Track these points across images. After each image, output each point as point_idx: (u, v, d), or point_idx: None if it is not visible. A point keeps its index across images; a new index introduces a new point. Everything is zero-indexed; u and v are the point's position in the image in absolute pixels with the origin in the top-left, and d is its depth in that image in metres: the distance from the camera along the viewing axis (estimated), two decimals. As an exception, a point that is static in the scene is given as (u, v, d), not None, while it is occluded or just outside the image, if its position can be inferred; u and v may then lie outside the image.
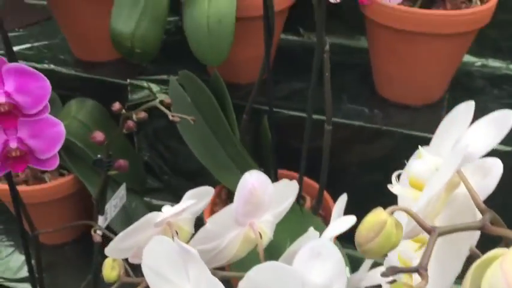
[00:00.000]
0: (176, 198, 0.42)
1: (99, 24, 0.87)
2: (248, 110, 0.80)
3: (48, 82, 0.53)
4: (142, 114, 0.56)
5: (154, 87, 0.91)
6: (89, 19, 0.89)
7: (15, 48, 0.99)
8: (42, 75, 0.52)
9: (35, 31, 1.06)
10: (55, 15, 0.94)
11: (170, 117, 0.55)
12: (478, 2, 0.80)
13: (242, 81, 0.91)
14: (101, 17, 0.84)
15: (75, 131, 0.82)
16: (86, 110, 0.87)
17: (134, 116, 0.56)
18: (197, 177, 0.94)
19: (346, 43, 1.04)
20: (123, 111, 0.55)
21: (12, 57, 0.73)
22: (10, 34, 1.04)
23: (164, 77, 0.92)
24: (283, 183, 0.41)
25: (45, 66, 0.95)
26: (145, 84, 0.91)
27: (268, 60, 0.72)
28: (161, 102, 0.56)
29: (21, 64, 0.52)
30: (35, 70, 0.52)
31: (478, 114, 0.33)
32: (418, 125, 0.83)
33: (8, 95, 0.51)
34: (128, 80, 0.92)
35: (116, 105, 0.56)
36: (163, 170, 0.99)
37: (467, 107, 0.33)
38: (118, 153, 0.63)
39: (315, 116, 0.75)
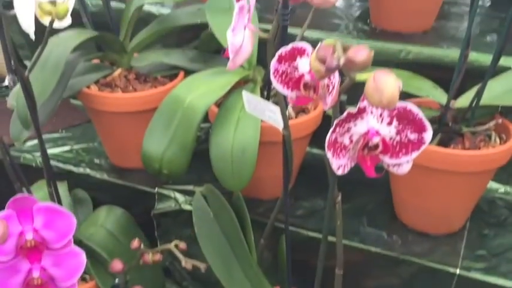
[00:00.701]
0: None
1: (134, 137, 0.93)
2: (267, 234, 0.82)
3: (73, 219, 0.57)
4: (158, 257, 0.59)
5: (181, 198, 0.95)
6: (125, 132, 0.96)
7: (56, 151, 1.08)
8: (69, 213, 0.56)
9: (76, 133, 1.14)
10: (94, 123, 1.01)
11: (183, 263, 0.57)
12: (497, 140, 0.82)
13: (264, 197, 0.94)
14: (137, 131, 0.90)
15: (101, 241, 0.86)
16: (114, 218, 0.91)
17: (150, 255, 0.59)
18: (216, 287, 0.96)
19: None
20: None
21: (47, 163, 0.79)
22: (53, 135, 1.14)
23: (191, 187, 0.96)
24: None
25: (81, 170, 1.02)
26: (172, 194, 0.95)
27: (287, 187, 0.75)
28: (176, 246, 0.59)
29: (50, 203, 0.56)
30: (62, 208, 0.56)
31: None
32: (436, 256, 0.82)
33: (35, 231, 0.55)
34: (156, 189, 0.96)
35: (135, 243, 0.59)
36: (183, 277, 1.01)
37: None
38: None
39: (330, 238, 0.76)
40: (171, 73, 1.00)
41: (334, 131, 0.46)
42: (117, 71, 0.98)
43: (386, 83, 0.39)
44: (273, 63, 0.49)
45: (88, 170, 1.01)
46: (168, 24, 1.01)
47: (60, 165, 1.03)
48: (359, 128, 0.47)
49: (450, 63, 0.92)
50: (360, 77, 0.41)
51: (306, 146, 0.93)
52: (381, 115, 0.47)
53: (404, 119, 0.47)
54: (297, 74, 0.48)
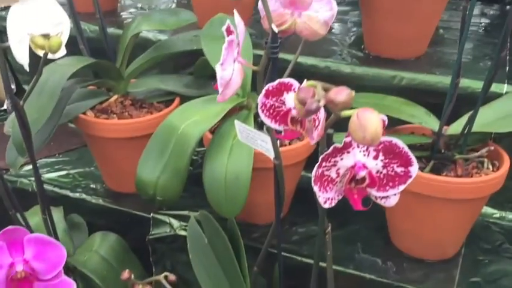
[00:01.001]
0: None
1: (129, 162, 0.93)
2: (260, 261, 0.82)
3: (63, 250, 0.57)
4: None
5: (176, 223, 0.95)
6: (120, 157, 0.96)
7: (52, 175, 1.08)
8: (59, 244, 0.57)
9: (73, 157, 1.15)
10: (90, 148, 1.01)
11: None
12: (490, 166, 0.82)
13: (259, 222, 0.94)
14: (132, 157, 0.90)
15: (95, 267, 0.86)
16: (108, 244, 0.92)
17: (141, 287, 0.59)
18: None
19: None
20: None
21: (41, 191, 0.79)
22: (51, 160, 1.14)
23: (186, 212, 0.96)
24: None
25: (77, 195, 1.02)
26: (167, 219, 0.96)
27: (279, 216, 0.75)
28: (165, 277, 0.59)
29: (40, 235, 0.57)
30: (52, 239, 0.57)
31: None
32: (431, 283, 0.82)
33: (26, 262, 0.55)
34: (151, 214, 0.96)
35: (125, 275, 0.59)
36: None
37: None
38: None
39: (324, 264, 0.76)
40: (167, 99, 1.01)
41: (320, 166, 0.46)
42: (114, 97, 0.99)
43: (370, 120, 0.40)
44: (261, 98, 0.49)
45: (84, 195, 1.02)
46: (165, 51, 1.02)
47: (57, 190, 1.04)
48: (345, 161, 0.47)
49: (443, 89, 0.93)
50: (344, 113, 0.42)
51: (301, 171, 0.94)
52: (367, 149, 0.47)
53: (391, 153, 0.47)
54: (284, 108, 0.49)
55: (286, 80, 0.48)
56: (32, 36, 0.56)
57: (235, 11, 0.54)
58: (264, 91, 0.49)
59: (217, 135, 0.83)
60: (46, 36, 0.56)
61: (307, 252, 0.89)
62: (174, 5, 1.44)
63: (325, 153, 0.45)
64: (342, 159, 0.47)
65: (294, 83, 0.48)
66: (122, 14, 1.34)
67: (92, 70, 1.05)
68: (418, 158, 0.84)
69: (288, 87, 0.48)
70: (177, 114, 0.84)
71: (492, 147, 0.82)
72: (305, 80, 0.46)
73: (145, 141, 0.86)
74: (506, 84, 0.91)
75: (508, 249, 0.90)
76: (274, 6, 0.60)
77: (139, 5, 1.43)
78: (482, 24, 1.29)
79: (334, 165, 0.47)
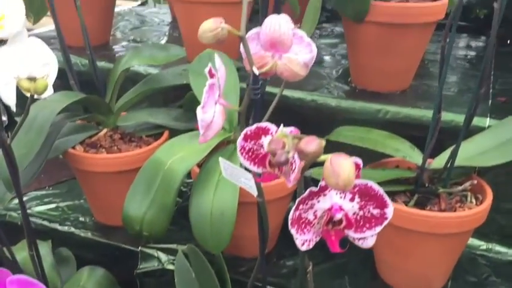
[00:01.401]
0: None
1: (118, 196, 0.93)
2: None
3: (47, 290, 0.57)
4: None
5: (164, 257, 0.96)
6: (109, 191, 0.97)
7: (42, 208, 1.09)
8: (42, 286, 0.57)
9: (63, 189, 1.15)
10: (79, 181, 1.02)
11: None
12: (473, 200, 0.83)
13: (246, 255, 0.94)
14: (121, 191, 0.91)
15: (81, 302, 0.86)
16: (95, 279, 0.91)
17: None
18: None
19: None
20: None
21: (28, 227, 0.79)
22: (40, 192, 1.15)
23: (174, 246, 0.96)
24: None
25: (66, 228, 1.02)
26: (155, 253, 0.96)
27: (263, 253, 0.76)
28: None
29: (23, 276, 0.57)
30: (35, 281, 0.57)
31: None
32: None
33: (8, 304, 0.56)
34: (139, 248, 0.96)
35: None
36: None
37: None
38: None
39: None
40: (157, 132, 1.02)
41: (297, 209, 0.47)
42: (103, 131, 1.00)
43: (343, 166, 0.41)
44: (239, 141, 0.50)
45: (73, 229, 1.02)
46: (154, 85, 1.04)
47: (46, 223, 1.04)
48: (322, 204, 0.48)
49: (427, 122, 0.93)
50: (320, 158, 0.43)
51: (288, 203, 0.94)
52: (343, 191, 0.48)
53: (366, 195, 0.48)
54: (262, 152, 0.50)
55: (263, 124, 0.49)
56: (18, 79, 0.57)
57: (216, 56, 0.56)
58: (242, 135, 0.50)
59: (204, 170, 0.84)
60: (32, 79, 0.57)
61: (294, 286, 0.89)
62: (165, 38, 1.46)
63: (302, 196, 0.46)
64: (318, 201, 0.48)
65: (271, 127, 0.49)
66: (114, 47, 1.36)
67: (82, 105, 1.06)
68: (403, 192, 0.86)
69: (265, 131, 0.49)
70: (164, 150, 0.85)
71: (475, 181, 0.83)
72: (281, 125, 0.47)
73: (133, 175, 0.86)
74: (488, 118, 0.93)
75: (495, 282, 0.90)
76: (256, 49, 0.61)
77: (131, 37, 1.46)
78: (468, 56, 1.31)
79: (311, 207, 0.48)
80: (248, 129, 0.50)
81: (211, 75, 0.56)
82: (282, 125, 0.47)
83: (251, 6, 1.13)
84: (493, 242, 0.98)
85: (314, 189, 0.47)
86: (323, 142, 0.40)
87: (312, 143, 0.39)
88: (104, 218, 1.03)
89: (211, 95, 0.55)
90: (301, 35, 0.57)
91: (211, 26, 0.56)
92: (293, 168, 0.48)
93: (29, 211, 1.06)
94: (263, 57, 0.61)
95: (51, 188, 1.15)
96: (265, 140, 0.50)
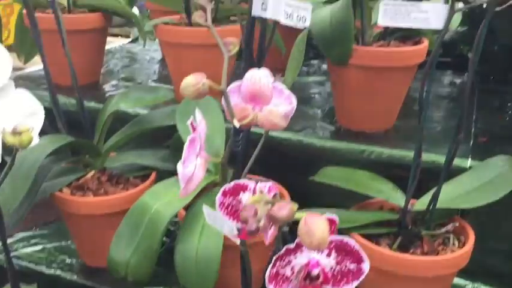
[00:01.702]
0: None
1: (105, 238, 0.94)
2: None
3: None
4: None
5: (151, 299, 0.95)
6: (96, 233, 0.97)
7: (28, 250, 1.08)
8: None
9: (50, 230, 1.15)
10: (66, 223, 1.02)
11: None
12: (456, 242, 0.84)
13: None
14: (107, 233, 0.91)
15: None
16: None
17: None
18: None
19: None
20: None
21: (12, 270, 0.80)
22: (27, 233, 1.14)
23: (161, 288, 0.97)
24: None
25: (52, 271, 1.02)
26: (141, 296, 0.95)
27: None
28: None
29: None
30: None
31: None
32: None
33: None
34: (125, 294, 0.96)
35: None
36: None
37: None
38: None
39: None
40: (144, 173, 1.03)
41: (274, 266, 0.48)
42: (90, 173, 1.00)
43: (317, 226, 0.42)
44: (218, 197, 0.52)
45: (59, 271, 1.02)
46: (143, 126, 1.05)
47: (32, 266, 1.03)
48: (299, 259, 0.49)
49: (410, 163, 0.95)
50: (296, 216, 0.44)
51: (272, 246, 0.95)
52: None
53: (342, 250, 0.49)
54: (241, 207, 0.51)
55: (241, 181, 0.50)
56: (3, 134, 0.58)
57: (196, 111, 0.58)
58: (221, 191, 0.51)
59: (190, 214, 0.85)
60: (17, 133, 0.59)
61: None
62: (155, 76, 1.48)
63: (278, 254, 0.47)
64: (295, 257, 0.49)
65: (249, 183, 0.51)
66: (104, 86, 1.38)
67: (70, 147, 1.07)
68: (387, 234, 0.87)
69: (244, 188, 0.51)
70: (150, 194, 0.86)
71: (457, 223, 0.84)
72: (258, 183, 0.48)
73: (120, 218, 0.87)
74: (469, 159, 0.94)
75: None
76: (237, 101, 0.63)
77: (122, 75, 1.48)
78: (452, 94, 1.34)
79: (289, 263, 0.49)
80: (226, 186, 0.51)
81: (193, 129, 0.57)
82: (258, 182, 0.48)
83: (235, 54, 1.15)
84: (478, 281, 0.99)
85: (291, 246, 0.48)
86: (295, 207, 0.41)
87: (285, 208, 0.40)
88: (90, 260, 1.03)
89: (191, 150, 0.56)
90: (281, 88, 0.59)
91: (193, 81, 0.58)
92: (270, 225, 0.49)
93: (15, 253, 1.06)
94: (244, 109, 0.63)
95: (38, 229, 1.15)
96: (243, 196, 0.51)
